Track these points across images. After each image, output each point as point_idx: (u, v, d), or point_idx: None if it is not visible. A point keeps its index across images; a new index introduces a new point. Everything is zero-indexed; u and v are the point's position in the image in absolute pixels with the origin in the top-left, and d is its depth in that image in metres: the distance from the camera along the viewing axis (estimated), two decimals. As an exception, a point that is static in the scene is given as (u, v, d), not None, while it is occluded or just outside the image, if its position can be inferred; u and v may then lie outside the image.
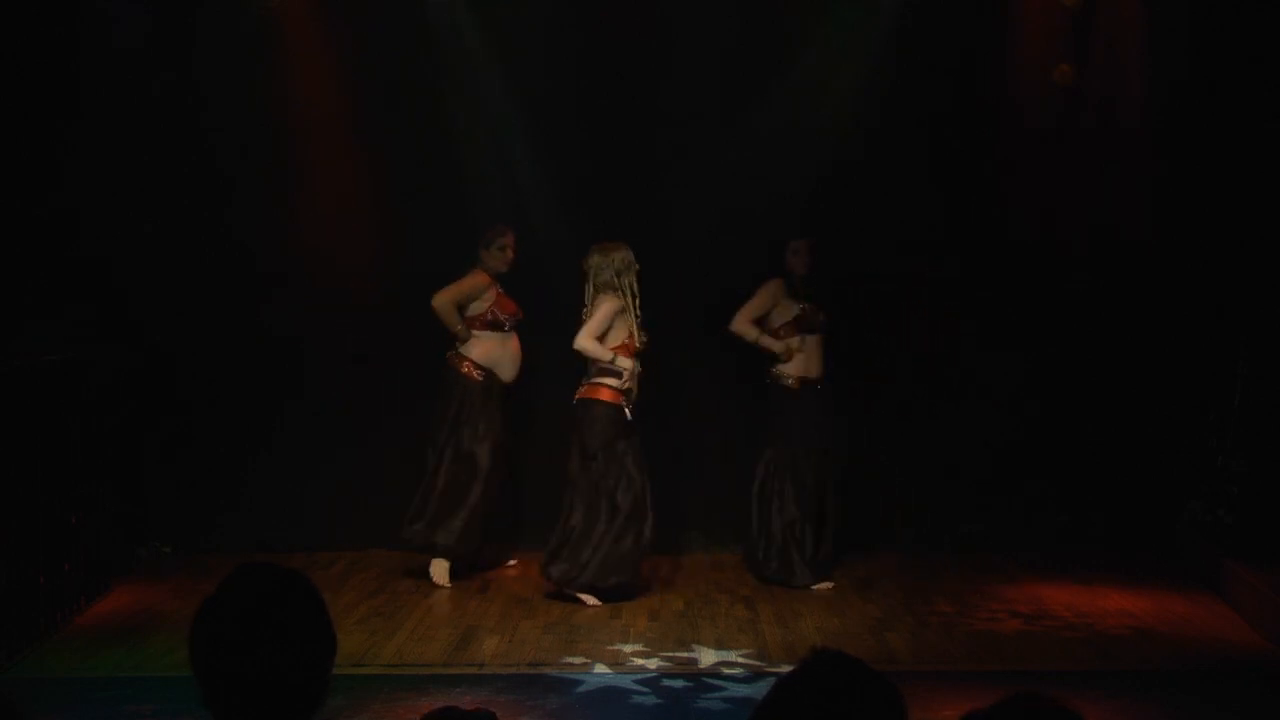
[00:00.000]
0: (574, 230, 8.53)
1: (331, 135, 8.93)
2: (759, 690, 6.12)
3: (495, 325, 8.26)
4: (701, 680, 6.61)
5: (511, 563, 8.65)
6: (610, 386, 7.81)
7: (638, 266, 7.80)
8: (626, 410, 7.82)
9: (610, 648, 7.09)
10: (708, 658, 6.93)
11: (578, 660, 6.87)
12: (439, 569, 8.26)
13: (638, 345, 7.80)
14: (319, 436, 8.99)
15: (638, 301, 7.80)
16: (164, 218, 8.77)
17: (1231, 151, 8.66)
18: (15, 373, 7.11)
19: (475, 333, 8.25)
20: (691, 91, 8.86)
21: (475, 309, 8.25)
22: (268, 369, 8.98)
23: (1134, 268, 8.99)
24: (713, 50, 8.82)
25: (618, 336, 7.79)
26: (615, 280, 7.77)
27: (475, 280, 8.26)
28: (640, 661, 6.87)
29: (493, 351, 8.28)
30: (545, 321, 8.38)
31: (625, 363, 7.79)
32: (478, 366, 8.28)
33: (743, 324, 8.23)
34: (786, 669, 2.26)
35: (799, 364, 8.24)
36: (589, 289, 7.83)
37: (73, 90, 8.38)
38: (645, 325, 7.83)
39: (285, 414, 9.01)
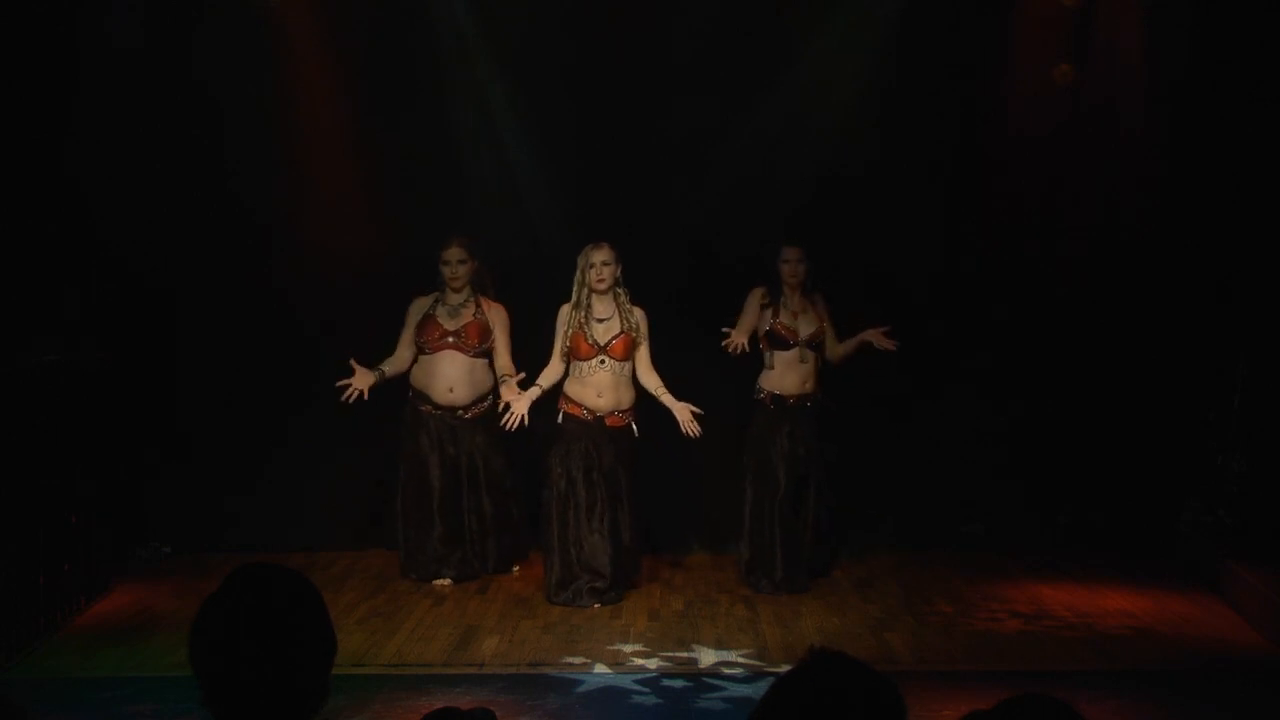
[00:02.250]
0: (573, 230, 8.53)
1: (334, 136, 8.93)
2: (759, 690, 6.13)
3: (420, 349, 8.21)
4: (701, 680, 6.61)
5: (515, 570, 8.56)
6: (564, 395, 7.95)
7: (591, 262, 7.79)
8: (558, 417, 7.90)
9: (610, 648, 7.09)
10: (708, 658, 6.93)
11: (578, 660, 6.88)
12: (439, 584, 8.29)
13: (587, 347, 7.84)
14: (319, 436, 8.99)
15: (584, 295, 7.82)
16: (164, 219, 8.76)
17: (1231, 151, 8.66)
18: (15, 373, 7.11)
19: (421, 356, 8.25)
20: (691, 90, 8.86)
21: None
22: (268, 369, 8.98)
23: (1134, 267, 8.99)
24: (713, 49, 8.82)
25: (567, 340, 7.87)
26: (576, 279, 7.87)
27: (416, 307, 8.25)
28: (640, 661, 6.88)
29: (417, 374, 8.24)
30: (544, 322, 8.35)
31: (576, 366, 7.86)
32: (413, 390, 8.27)
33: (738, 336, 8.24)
34: (786, 669, 2.26)
35: (772, 380, 8.20)
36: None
37: (72, 90, 8.36)
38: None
39: (286, 414, 9.01)
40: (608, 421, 7.88)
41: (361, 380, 7.95)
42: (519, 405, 7.74)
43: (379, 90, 8.94)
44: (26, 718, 2.57)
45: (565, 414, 7.91)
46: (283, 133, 8.89)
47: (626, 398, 7.92)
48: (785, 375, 8.19)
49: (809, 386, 8.21)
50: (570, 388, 7.91)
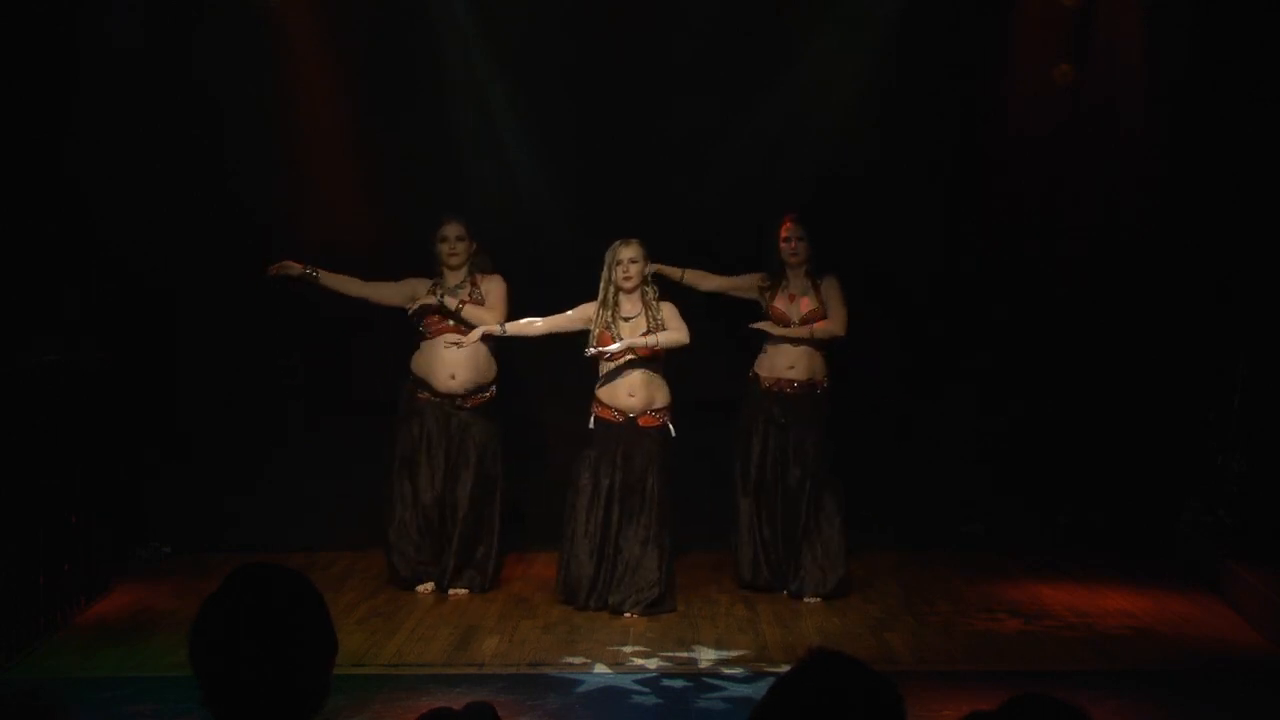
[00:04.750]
0: (573, 230, 8.55)
1: (334, 136, 8.93)
2: (759, 690, 6.13)
3: (419, 333, 8.07)
4: (701, 680, 6.61)
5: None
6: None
7: (619, 259, 7.69)
8: (589, 421, 7.79)
9: (610, 648, 7.09)
10: (708, 658, 6.93)
11: (578, 660, 6.88)
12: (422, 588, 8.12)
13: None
14: (320, 436, 9.00)
15: (611, 293, 7.70)
16: (164, 219, 8.77)
17: (1231, 152, 8.66)
18: (15, 373, 7.11)
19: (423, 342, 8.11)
20: (691, 91, 8.86)
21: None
22: (268, 369, 8.99)
23: (1133, 267, 8.99)
24: (713, 49, 8.82)
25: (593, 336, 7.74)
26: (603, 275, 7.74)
27: (411, 282, 8.10)
28: (640, 661, 6.88)
29: (419, 360, 8.07)
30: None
31: (605, 366, 7.75)
32: (412, 376, 8.12)
33: (700, 276, 8.11)
34: (786, 669, 2.26)
35: (761, 361, 8.07)
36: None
37: (72, 90, 8.36)
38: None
39: (286, 414, 9.02)
40: (640, 421, 7.71)
41: (292, 269, 7.94)
42: (472, 334, 7.77)
43: (379, 90, 8.94)
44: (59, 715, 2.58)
45: (596, 418, 7.76)
46: (283, 133, 8.88)
47: (660, 396, 7.74)
48: (773, 358, 8.04)
49: (797, 372, 8.03)
50: (601, 390, 7.75)
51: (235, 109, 8.76)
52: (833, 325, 7.98)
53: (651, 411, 7.74)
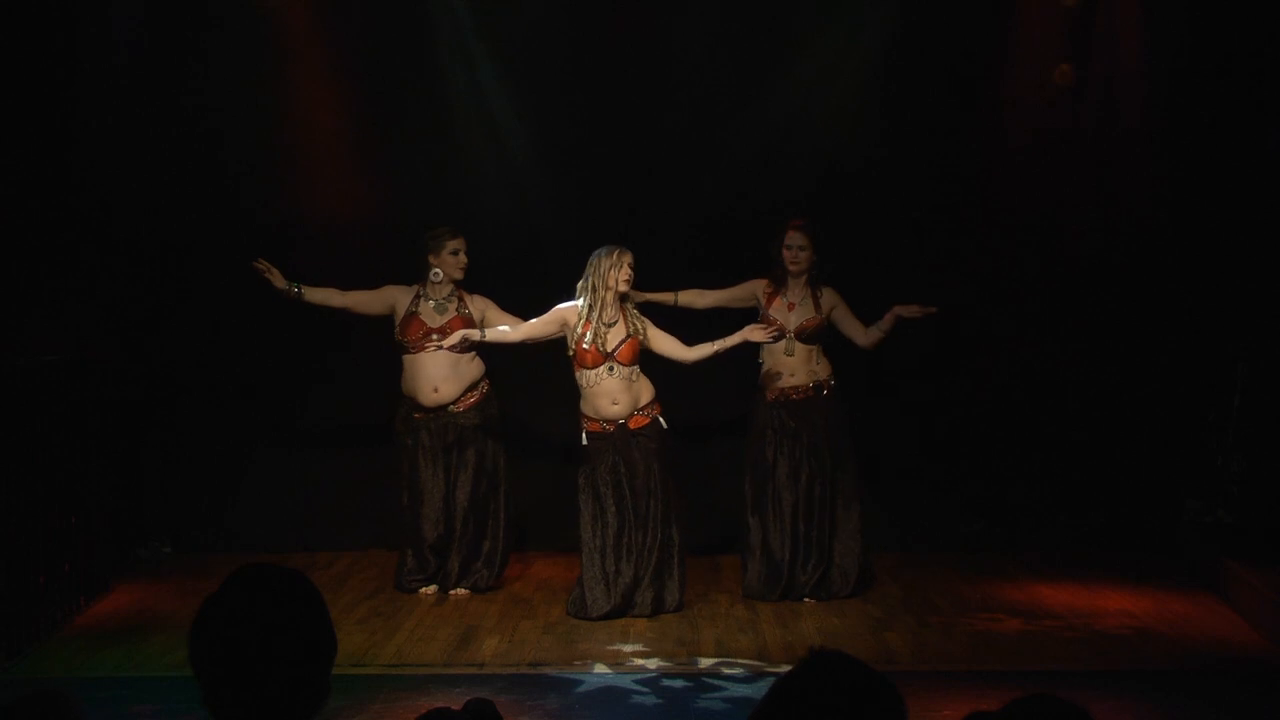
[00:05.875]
0: (573, 231, 8.55)
1: (334, 137, 8.94)
2: (759, 690, 6.14)
3: (400, 348, 8.03)
4: (701, 680, 6.61)
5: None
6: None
7: (623, 262, 7.53)
8: (581, 438, 7.70)
9: (610, 648, 7.09)
10: (708, 658, 6.93)
11: (578, 660, 6.88)
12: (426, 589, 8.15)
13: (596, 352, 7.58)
14: (320, 436, 9.00)
15: (610, 297, 7.56)
16: (165, 219, 8.77)
17: (1232, 152, 8.67)
18: (16, 372, 7.12)
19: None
20: (691, 90, 8.87)
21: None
22: (268, 369, 8.99)
23: (1134, 268, 9.00)
24: (713, 48, 8.83)
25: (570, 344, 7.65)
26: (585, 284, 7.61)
27: (390, 290, 8.07)
28: (640, 661, 6.87)
29: (405, 380, 8.06)
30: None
31: (583, 376, 7.66)
32: (403, 397, 8.10)
33: (695, 295, 8.02)
34: (786, 669, 2.26)
35: (764, 378, 8.00)
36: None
37: (73, 91, 8.37)
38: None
39: (285, 414, 9.02)
40: (631, 424, 7.63)
41: (277, 279, 7.88)
42: (451, 338, 7.74)
43: (379, 90, 8.94)
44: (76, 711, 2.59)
45: (587, 433, 7.67)
46: (283, 133, 8.89)
47: (644, 395, 7.67)
48: (772, 368, 7.98)
49: (797, 379, 7.93)
50: (584, 405, 7.66)
51: (235, 109, 8.77)
52: (863, 340, 7.96)
53: (638, 411, 7.68)
